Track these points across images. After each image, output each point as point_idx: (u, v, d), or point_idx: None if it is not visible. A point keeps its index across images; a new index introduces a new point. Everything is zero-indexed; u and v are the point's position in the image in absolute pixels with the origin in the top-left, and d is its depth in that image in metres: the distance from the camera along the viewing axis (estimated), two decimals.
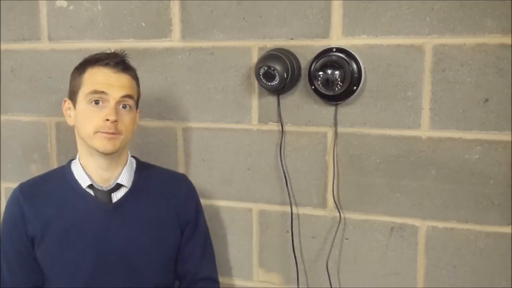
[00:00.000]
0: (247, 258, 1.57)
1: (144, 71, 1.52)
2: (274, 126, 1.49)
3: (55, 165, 1.70)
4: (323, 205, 1.48)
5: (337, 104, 1.41)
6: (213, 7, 1.49)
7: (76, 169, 1.31)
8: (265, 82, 1.37)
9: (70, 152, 1.57)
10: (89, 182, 1.29)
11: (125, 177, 1.32)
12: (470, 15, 1.28)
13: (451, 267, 1.39)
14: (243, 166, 1.53)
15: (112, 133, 1.22)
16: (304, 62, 1.42)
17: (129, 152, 1.36)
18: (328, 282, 1.48)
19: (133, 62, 1.33)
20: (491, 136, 1.31)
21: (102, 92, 1.22)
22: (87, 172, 1.29)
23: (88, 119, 1.23)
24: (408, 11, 1.33)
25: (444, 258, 1.39)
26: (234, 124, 1.52)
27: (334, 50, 1.38)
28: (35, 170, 1.72)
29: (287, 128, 1.47)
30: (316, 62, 1.37)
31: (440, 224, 1.38)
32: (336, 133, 1.43)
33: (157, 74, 1.57)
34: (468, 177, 1.34)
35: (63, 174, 1.33)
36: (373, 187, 1.42)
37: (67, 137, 1.67)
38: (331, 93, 1.37)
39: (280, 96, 1.46)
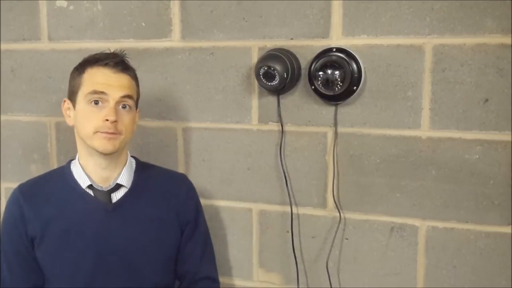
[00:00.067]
0: (247, 258, 1.57)
1: (144, 71, 1.52)
2: (274, 126, 1.49)
3: (55, 165, 1.70)
4: (323, 205, 1.48)
5: (337, 104, 1.41)
6: (213, 7, 1.48)
7: (76, 170, 1.31)
8: (265, 82, 1.37)
9: (70, 152, 1.57)
10: (89, 183, 1.29)
11: (125, 177, 1.32)
12: (470, 15, 1.28)
13: (451, 267, 1.39)
14: (243, 166, 1.53)
15: (112, 133, 1.22)
16: (304, 62, 1.42)
17: (128, 152, 1.36)
18: (328, 282, 1.48)
19: (133, 62, 1.33)
20: (491, 136, 1.31)
21: (102, 93, 1.22)
22: (87, 172, 1.29)
23: (88, 119, 1.23)
24: (408, 11, 1.32)
25: (444, 258, 1.39)
26: (234, 124, 1.52)
27: (334, 50, 1.38)
28: (35, 170, 1.72)
29: (287, 128, 1.47)
30: (316, 62, 1.37)
31: (440, 224, 1.38)
32: (336, 133, 1.43)
33: (157, 74, 1.57)
34: (468, 177, 1.34)
35: (63, 174, 1.33)
36: (373, 187, 1.42)
37: (67, 137, 1.67)
38: (331, 93, 1.36)
39: (280, 96, 1.46)
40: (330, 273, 1.48)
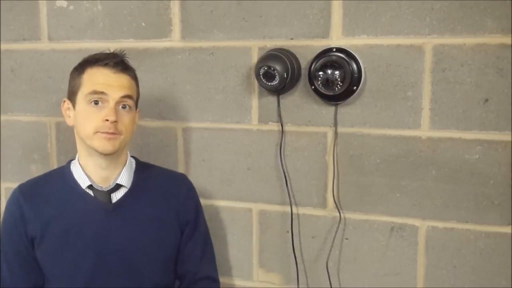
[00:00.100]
0: (247, 258, 1.57)
1: (144, 71, 1.52)
2: (274, 126, 1.49)
3: (55, 165, 1.70)
4: (323, 205, 1.48)
5: (337, 104, 1.41)
6: (213, 7, 1.48)
7: (76, 170, 1.31)
8: (265, 82, 1.37)
9: (70, 152, 1.57)
10: (89, 183, 1.29)
11: (125, 177, 1.32)
12: (470, 15, 1.28)
13: (451, 267, 1.39)
14: (243, 166, 1.53)
15: (112, 133, 1.22)
16: (304, 62, 1.42)
17: (128, 152, 1.36)
18: (328, 282, 1.48)
19: (133, 62, 1.33)
20: (491, 136, 1.31)
21: (102, 93, 1.22)
22: (87, 172, 1.29)
23: (88, 120, 1.23)
24: (408, 11, 1.32)
25: (444, 258, 1.39)
26: (234, 124, 1.52)
27: (334, 50, 1.38)
28: (35, 170, 1.72)
29: (287, 128, 1.47)
30: (316, 62, 1.37)
31: (440, 224, 1.38)
32: (336, 133, 1.43)
33: (157, 74, 1.57)
34: (468, 177, 1.34)
35: (63, 174, 1.33)
36: (373, 187, 1.42)
37: (67, 137, 1.67)
38: (331, 93, 1.36)
39: (280, 96, 1.46)
40: (330, 273, 1.48)
